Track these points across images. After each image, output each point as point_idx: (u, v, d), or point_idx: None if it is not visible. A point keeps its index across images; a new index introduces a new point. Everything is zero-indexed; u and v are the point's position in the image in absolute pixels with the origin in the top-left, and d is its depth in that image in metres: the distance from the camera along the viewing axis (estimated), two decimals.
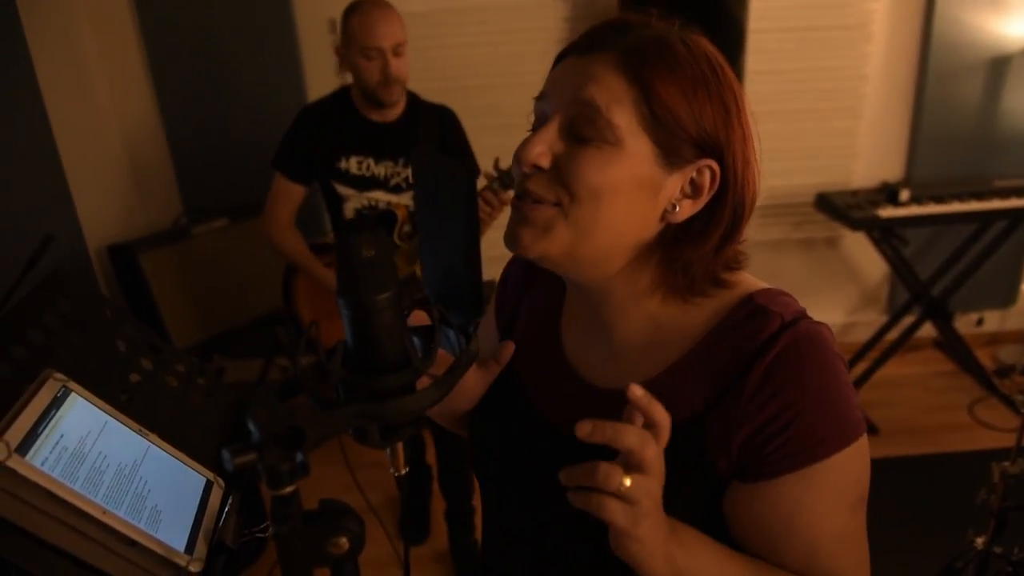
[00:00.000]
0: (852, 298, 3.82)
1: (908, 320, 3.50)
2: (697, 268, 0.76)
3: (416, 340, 0.61)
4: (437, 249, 0.65)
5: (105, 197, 3.15)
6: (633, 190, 0.71)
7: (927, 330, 3.59)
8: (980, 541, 1.86)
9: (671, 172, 0.72)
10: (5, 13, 2.48)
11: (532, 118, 0.78)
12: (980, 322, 3.83)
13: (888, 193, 3.27)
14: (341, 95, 2.38)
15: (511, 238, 0.75)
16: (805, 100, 3.33)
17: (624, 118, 0.70)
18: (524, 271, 0.99)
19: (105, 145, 3.24)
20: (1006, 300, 3.78)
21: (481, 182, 2.09)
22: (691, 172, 0.73)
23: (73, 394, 0.91)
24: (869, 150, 3.49)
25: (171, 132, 3.38)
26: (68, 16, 3.03)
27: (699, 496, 0.76)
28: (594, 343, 0.85)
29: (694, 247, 0.75)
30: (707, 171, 0.73)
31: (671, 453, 0.68)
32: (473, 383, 0.90)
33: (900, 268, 3.40)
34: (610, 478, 0.60)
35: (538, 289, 0.96)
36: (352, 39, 2.19)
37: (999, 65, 3.34)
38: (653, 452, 0.62)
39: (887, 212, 3.17)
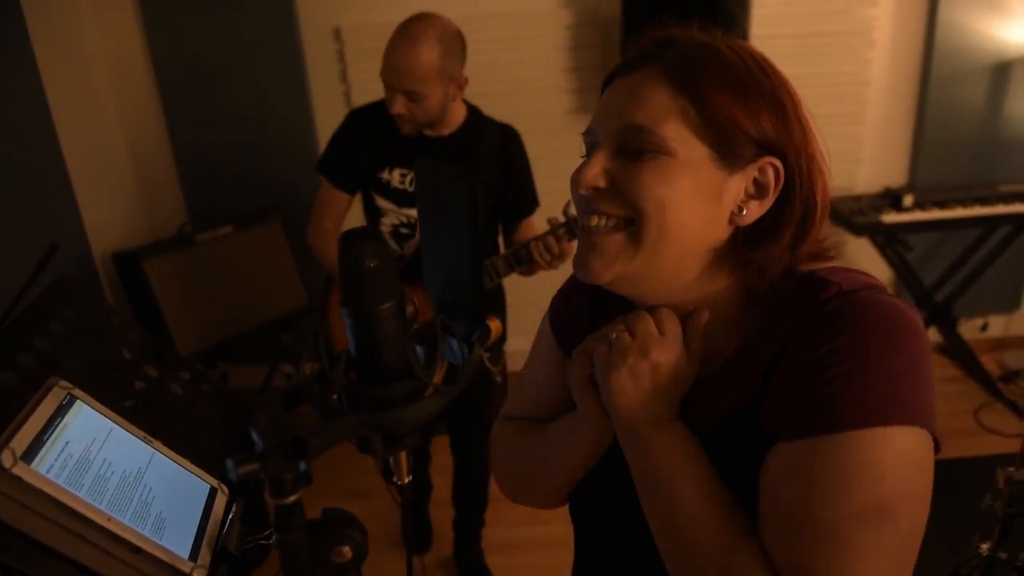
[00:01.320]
0: None
1: None
2: (773, 269, 0.74)
3: (419, 349, 0.61)
4: (440, 258, 0.65)
5: (110, 205, 3.17)
6: (695, 196, 0.71)
7: (931, 335, 3.59)
8: (985, 547, 1.85)
9: (732, 173, 0.71)
10: (11, 22, 2.50)
11: (583, 151, 0.78)
12: (985, 327, 3.82)
13: (892, 198, 3.28)
14: None
15: (581, 266, 0.76)
16: (808, 106, 3.31)
17: (674, 129, 0.70)
18: (585, 301, 0.94)
19: (110, 153, 3.26)
20: (1010, 305, 3.77)
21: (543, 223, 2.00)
22: (753, 172, 0.72)
23: (78, 402, 0.92)
24: (872, 155, 3.49)
25: (176, 140, 3.40)
26: (74, 25, 3.05)
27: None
28: None
29: (765, 248, 0.73)
30: (770, 169, 0.72)
31: (735, 445, 0.72)
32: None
33: (904, 273, 3.40)
34: (610, 328, 0.78)
35: (604, 317, 0.90)
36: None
37: (1002, 70, 3.34)
38: (646, 328, 0.75)
39: (891, 217, 3.17)
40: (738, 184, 0.72)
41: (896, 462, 0.63)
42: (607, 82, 0.80)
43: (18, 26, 2.52)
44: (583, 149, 0.79)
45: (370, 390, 0.57)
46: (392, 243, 2.23)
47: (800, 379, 0.67)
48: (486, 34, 3.24)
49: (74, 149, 2.78)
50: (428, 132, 2.11)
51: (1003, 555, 1.83)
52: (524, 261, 2.04)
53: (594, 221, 0.74)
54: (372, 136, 2.15)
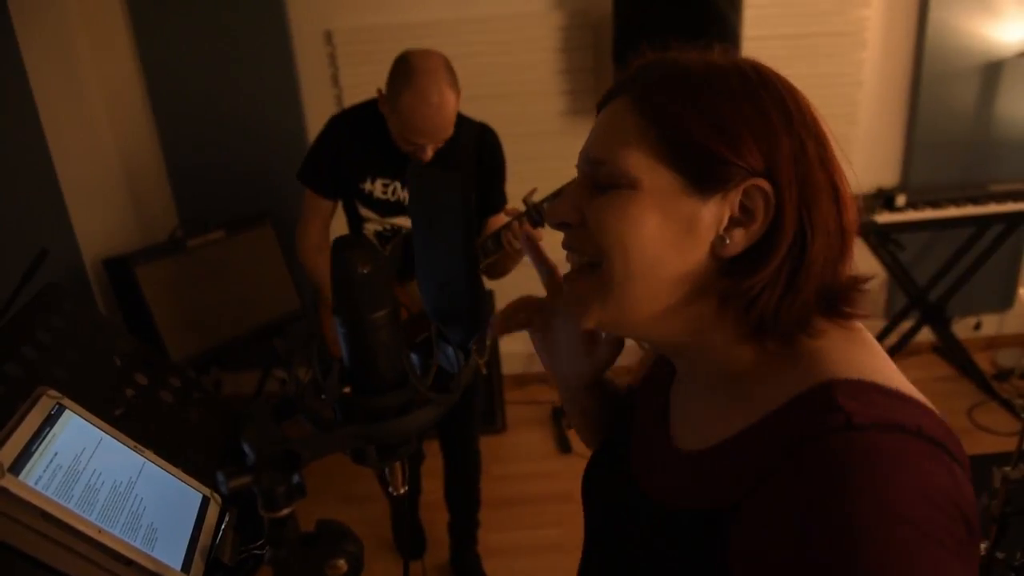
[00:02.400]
0: None
1: (906, 325, 3.50)
2: (763, 304, 0.64)
3: (414, 357, 0.60)
4: (434, 264, 0.64)
5: (101, 210, 3.15)
6: (662, 230, 0.64)
7: (925, 335, 3.60)
8: (982, 547, 1.85)
9: (706, 199, 0.63)
10: (0, 29, 2.48)
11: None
12: (978, 326, 3.84)
13: (884, 198, 3.28)
14: (373, 109, 2.13)
15: (567, 311, 0.77)
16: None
17: (635, 157, 0.64)
18: None
19: (101, 158, 3.24)
20: (1003, 304, 3.79)
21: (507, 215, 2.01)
22: (737, 196, 0.63)
23: (67, 411, 0.90)
24: (864, 156, 3.49)
25: (167, 144, 3.38)
26: (63, 32, 3.03)
27: None
28: (684, 398, 0.80)
29: (747, 277, 0.64)
30: (757, 192, 0.63)
31: (689, 542, 0.65)
32: (607, 348, 0.85)
33: (897, 273, 3.41)
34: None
35: None
36: (398, 119, 1.99)
37: (993, 70, 3.35)
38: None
39: (884, 217, 3.18)
40: (715, 211, 0.64)
41: None
42: (598, 110, 0.76)
43: (7, 32, 2.50)
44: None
45: (364, 400, 0.56)
46: (376, 244, 2.21)
47: (776, 543, 0.55)
48: (477, 37, 3.24)
49: (64, 154, 2.76)
50: None
51: (1000, 555, 1.83)
52: (492, 252, 2.04)
53: (570, 261, 0.73)
54: (354, 146, 2.15)
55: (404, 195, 2.16)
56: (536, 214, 1.91)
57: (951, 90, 3.38)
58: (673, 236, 0.64)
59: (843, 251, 0.66)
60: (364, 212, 2.21)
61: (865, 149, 3.49)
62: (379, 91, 2.06)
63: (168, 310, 2.84)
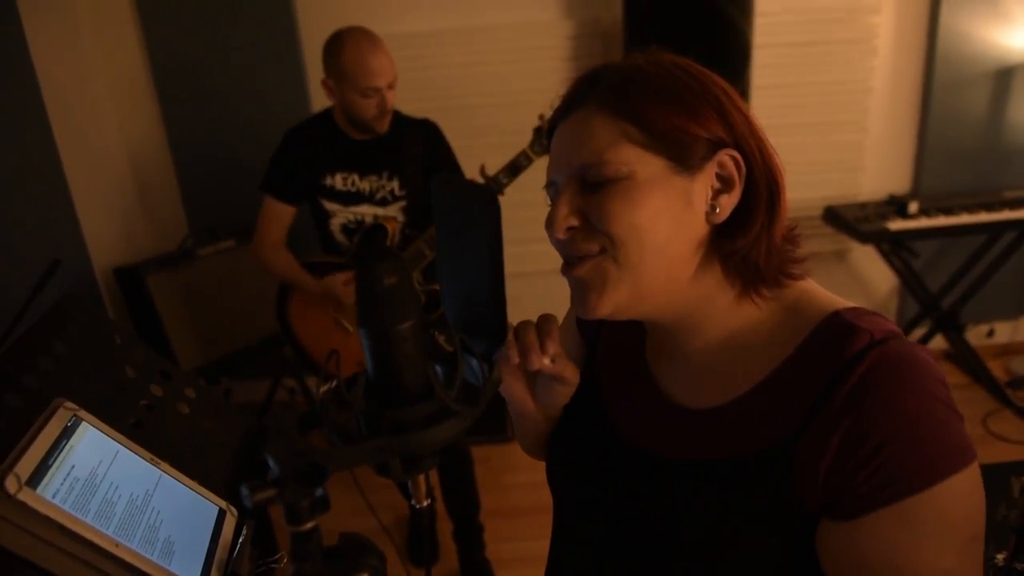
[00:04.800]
0: None
1: (919, 333, 3.47)
2: (755, 255, 0.75)
3: (438, 369, 0.60)
4: (459, 275, 0.64)
5: (111, 220, 3.16)
6: (665, 208, 0.72)
7: (938, 342, 3.57)
8: (1000, 557, 1.83)
9: (694, 176, 0.73)
10: (10, 36, 2.50)
11: (549, 203, 0.79)
12: (991, 333, 3.81)
13: (897, 205, 3.26)
14: (324, 116, 2.41)
15: (579, 307, 0.76)
16: (811, 114, 3.33)
17: (623, 153, 0.72)
18: None
19: (111, 168, 3.25)
20: (1016, 311, 3.76)
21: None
22: (713, 168, 0.73)
23: (84, 423, 0.90)
24: (876, 163, 3.48)
25: (177, 154, 3.39)
26: (75, 40, 3.05)
27: (783, 535, 0.70)
28: (677, 365, 0.84)
29: (743, 233, 0.74)
30: (729, 161, 0.73)
31: (752, 485, 0.70)
32: (567, 385, 0.87)
33: (910, 281, 3.38)
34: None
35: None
36: (346, 78, 2.21)
37: (1004, 76, 3.33)
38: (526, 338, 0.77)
39: (896, 225, 3.16)
40: (703, 184, 0.73)
41: (972, 495, 0.68)
42: (550, 133, 0.81)
43: (17, 40, 2.52)
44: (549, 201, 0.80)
45: (389, 413, 0.56)
46: (343, 238, 2.45)
47: (859, 445, 0.66)
48: (487, 45, 3.24)
49: (74, 164, 2.77)
50: (359, 137, 2.35)
51: (1019, 566, 1.81)
52: None
53: (577, 265, 0.76)
54: (311, 149, 2.38)
55: (363, 185, 2.39)
56: (495, 185, 2.11)
57: (962, 96, 3.37)
58: (675, 212, 0.72)
59: (784, 217, 0.78)
60: (328, 206, 2.41)
61: (876, 156, 3.47)
62: (323, 82, 2.29)
63: (178, 319, 2.84)
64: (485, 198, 0.58)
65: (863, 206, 3.35)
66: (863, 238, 3.17)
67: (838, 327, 0.71)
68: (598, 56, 3.23)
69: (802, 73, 3.25)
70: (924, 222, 3.18)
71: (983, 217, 3.17)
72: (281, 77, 3.27)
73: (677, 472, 0.77)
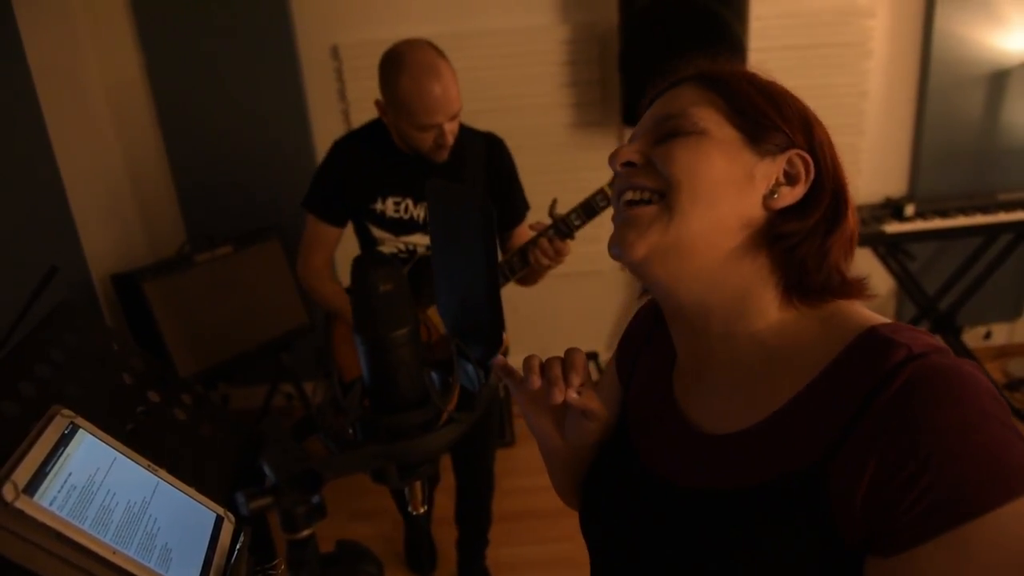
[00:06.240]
0: None
1: None
2: (803, 251, 0.74)
3: (434, 375, 0.60)
4: (454, 282, 0.64)
5: (109, 227, 3.16)
6: (726, 169, 0.73)
7: None
8: None
9: (762, 158, 0.74)
10: (7, 45, 2.50)
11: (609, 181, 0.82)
12: (988, 335, 3.81)
13: (893, 208, 3.27)
14: (377, 128, 2.08)
15: (616, 242, 0.76)
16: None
17: (705, 112, 0.75)
18: (647, 324, 0.98)
19: (108, 174, 3.25)
20: (1013, 313, 3.77)
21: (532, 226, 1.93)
22: (783, 162, 0.75)
23: (81, 430, 0.90)
24: (872, 166, 3.49)
25: (174, 160, 3.39)
26: (72, 47, 3.05)
27: (817, 568, 0.64)
28: (704, 387, 0.81)
29: (795, 222, 0.74)
30: (799, 160, 0.75)
31: (782, 512, 0.66)
32: (594, 420, 0.86)
33: (907, 283, 3.39)
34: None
35: (655, 344, 0.94)
36: (402, 111, 1.90)
37: (999, 79, 3.35)
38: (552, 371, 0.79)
39: (893, 228, 3.17)
40: (768, 169, 0.74)
41: None
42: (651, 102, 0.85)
43: (15, 49, 2.52)
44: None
45: (386, 419, 0.56)
46: None
47: (899, 468, 0.59)
48: (484, 50, 3.24)
49: (72, 171, 2.77)
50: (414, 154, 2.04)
51: None
52: (518, 268, 1.97)
53: (628, 195, 0.77)
54: (361, 166, 2.07)
55: (417, 212, 2.08)
56: (564, 227, 1.85)
57: (957, 99, 3.38)
58: (735, 179, 0.73)
59: (852, 245, 0.78)
60: (377, 233, 2.12)
61: (872, 159, 3.48)
62: (376, 101, 1.99)
63: (176, 325, 2.84)
64: (478, 202, 0.58)
65: (859, 209, 3.32)
66: (859, 241, 3.17)
67: (873, 342, 0.67)
68: (594, 61, 3.25)
69: (797, 76, 3.21)
70: (920, 225, 3.19)
71: (979, 219, 3.18)
72: (278, 83, 3.27)
73: (705, 503, 0.73)
